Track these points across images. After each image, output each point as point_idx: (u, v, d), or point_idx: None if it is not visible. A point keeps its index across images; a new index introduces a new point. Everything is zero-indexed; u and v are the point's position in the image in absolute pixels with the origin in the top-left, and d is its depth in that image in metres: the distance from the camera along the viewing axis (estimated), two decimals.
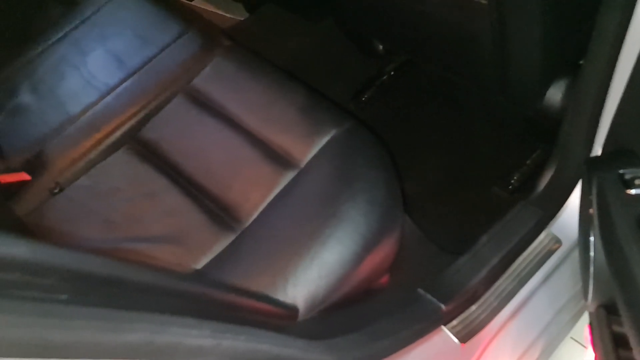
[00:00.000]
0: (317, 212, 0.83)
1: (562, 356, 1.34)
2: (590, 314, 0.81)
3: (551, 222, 1.03)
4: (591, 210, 0.77)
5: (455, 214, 1.23)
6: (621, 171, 0.70)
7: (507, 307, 0.93)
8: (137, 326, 0.38)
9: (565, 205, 1.01)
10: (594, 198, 0.75)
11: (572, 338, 1.36)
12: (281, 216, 0.86)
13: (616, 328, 0.75)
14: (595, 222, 0.73)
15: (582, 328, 1.36)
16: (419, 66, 1.50)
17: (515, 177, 1.29)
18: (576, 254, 1.04)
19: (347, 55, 1.58)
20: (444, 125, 1.37)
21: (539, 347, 0.94)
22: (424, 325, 0.81)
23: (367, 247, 0.79)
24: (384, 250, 0.83)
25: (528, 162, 1.31)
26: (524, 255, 1.00)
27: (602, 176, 0.73)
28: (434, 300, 0.86)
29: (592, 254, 0.76)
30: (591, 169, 0.79)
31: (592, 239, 0.76)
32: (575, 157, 0.93)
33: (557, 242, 1.03)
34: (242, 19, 1.77)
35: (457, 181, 1.29)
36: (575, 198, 1.00)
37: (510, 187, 1.29)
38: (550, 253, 1.02)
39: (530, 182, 1.18)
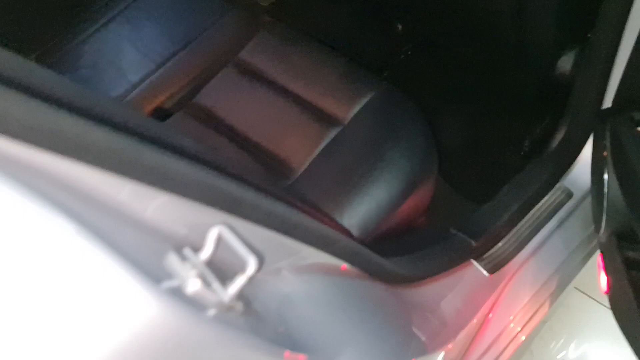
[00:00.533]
0: (364, 157, 0.95)
1: (567, 304, 1.47)
2: (602, 244, 0.93)
3: (564, 176, 1.15)
4: (605, 153, 0.89)
5: (473, 177, 1.34)
6: (632, 114, 0.82)
7: (527, 247, 1.05)
8: (275, 201, 0.49)
9: (576, 161, 1.14)
10: (607, 140, 0.87)
11: (576, 288, 1.49)
12: (331, 163, 0.98)
13: (626, 253, 0.88)
14: (609, 160, 0.86)
15: (586, 278, 1.48)
16: (435, 45, 1.61)
17: (526, 143, 1.41)
18: (586, 205, 1.16)
19: (368, 36, 1.69)
20: (459, 99, 1.49)
21: (555, 282, 1.07)
22: (459, 255, 0.93)
23: (410, 186, 0.91)
24: (424, 190, 0.95)
25: (538, 130, 1.43)
26: (540, 204, 1.12)
27: (614, 120, 0.85)
28: (465, 237, 0.98)
29: (605, 190, 0.88)
30: (604, 117, 0.91)
31: (605, 177, 0.88)
32: (586, 114, 1.05)
33: (569, 193, 1.16)
34: (266, 4, 1.88)
35: (472, 149, 1.41)
36: (585, 155, 1.12)
37: (522, 152, 1.41)
38: (563, 203, 1.14)
39: (540, 147, 1.30)
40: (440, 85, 1.52)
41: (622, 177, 0.81)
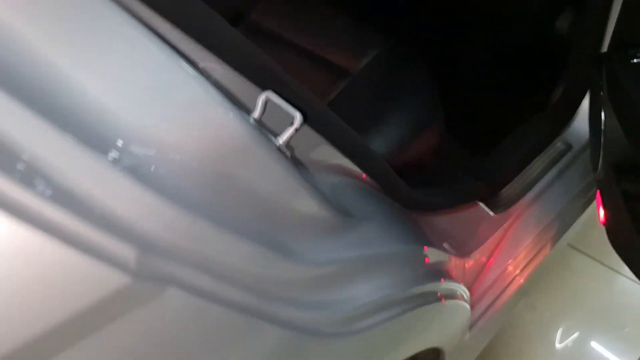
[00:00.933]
0: (374, 102, 1.00)
1: (561, 260, 1.52)
2: (599, 181, 0.98)
3: (564, 130, 1.20)
4: (602, 93, 0.94)
5: (478, 130, 1.39)
6: (626, 50, 0.87)
7: (530, 192, 1.11)
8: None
9: (575, 115, 1.19)
10: (603, 79, 0.92)
11: (569, 245, 1.54)
12: (342, 110, 1.02)
13: (623, 185, 0.93)
14: (606, 97, 0.91)
15: (578, 235, 1.55)
16: (438, 16, 1.67)
17: (528, 100, 1.46)
18: (584, 156, 1.22)
19: (369, 9, 1.74)
20: (464, 62, 1.54)
21: (556, 226, 1.12)
22: (465, 194, 0.99)
23: (421, 124, 0.97)
24: (432, 132, 1.00)
25: (539, 87, 1.48)
26: (542, 155, 1.17)
27: (610, 58, 0.90)
28: (472, 180, 1.03)
29: (603, 127, 0.94)
30: (600, 59, 0.96)
31: (602, 114, 0.93)
32: (584, 66, 1.10)
33: (569, 146, 1.21)
34: None
35: (478, 106, 1.45)
36: (583, 109, 1.18)
37: (524, 109, 1.45)
38: (562, 154, 1.20)
39: (542, 104, 1.35)
40: (445, 50, 1.57)
41: (620, 110, 0.86)
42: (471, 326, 0.93)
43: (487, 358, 1.35)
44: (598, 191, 0.98)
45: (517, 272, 1.05)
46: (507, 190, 1.09)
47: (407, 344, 0.65)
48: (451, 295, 0.70)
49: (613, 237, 0.96)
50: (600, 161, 0.96)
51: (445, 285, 0.69)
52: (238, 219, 0.41)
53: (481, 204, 1.04)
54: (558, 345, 1.40)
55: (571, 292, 1.48)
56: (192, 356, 0.38)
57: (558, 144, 1.21)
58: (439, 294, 0.66)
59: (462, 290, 0.74)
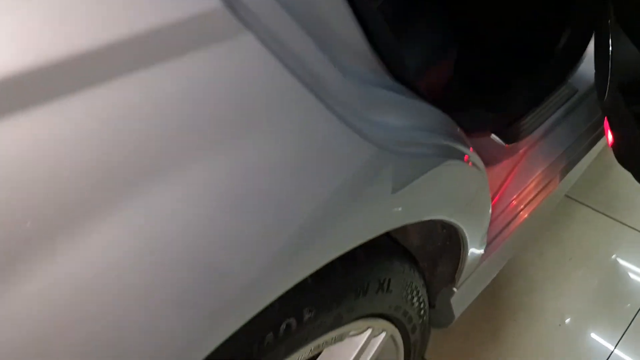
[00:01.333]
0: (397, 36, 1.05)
1: (567, 213, 1.57)
2: (606, 109, 1.02)
3: (570, 74, 1.25)
4: (609, 21, 0.99)
5: (488, 76, 1.42)
6: None
7: (539, 128, 1.15)
8: None
9: (580, 61, 1.24)
10: (611, 5, 0.96)
11: (567, 196, 1.59)
12: None
13: (631, 107, 0.97)
14: (613, 20, 0.95)
15: (583, 190, 1.60)
16: None
17: (537, 49, 1.50)
18: (589, 100, 1.27)
19: None
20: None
21: (564, 160, 1.16)
22: (480, 122, 1.03)
23: (434, 57, 1.02)
24: (445, 63, 1.05)
25: (547, 37, 1.53)
26: (549, 97, 1.22)
27: None
28: (485, 112, 1.08)
29: (610, 54, 0.98)
30: None
31: (610, 41, 0.98)
32: (588, 17, 1.15)
33: (574, 89, 1.26)
34: None
35: (489, 53, 1.49)
36: (588, 56, 1.23)
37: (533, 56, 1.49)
38: (568, 96, 1.25)
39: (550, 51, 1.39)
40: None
41: (631, 28, 0.90)
42: (489, 242, 0.97)
43: (498, 301, 1.39)
44: (605, 118, 1.03)
45: (529, 199, 1.09)
46: (517, 126, 1.13)
47: (437, 197, 0.69)
48: (476, 165, 0.75)
49: (622, 156, 1.00)
50: (608, 87, 1.00)
51: (472, 154, 0.73)
52: (303, 22, 0.45)
53: (494, 136, 1.09)
54: (565, 290, 1.44)
55: (577, 241, 1.52)
56: (253, 106, 0.41)
57: (563, 87, 1.26)
58: (466, 157, 0.70)
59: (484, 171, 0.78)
